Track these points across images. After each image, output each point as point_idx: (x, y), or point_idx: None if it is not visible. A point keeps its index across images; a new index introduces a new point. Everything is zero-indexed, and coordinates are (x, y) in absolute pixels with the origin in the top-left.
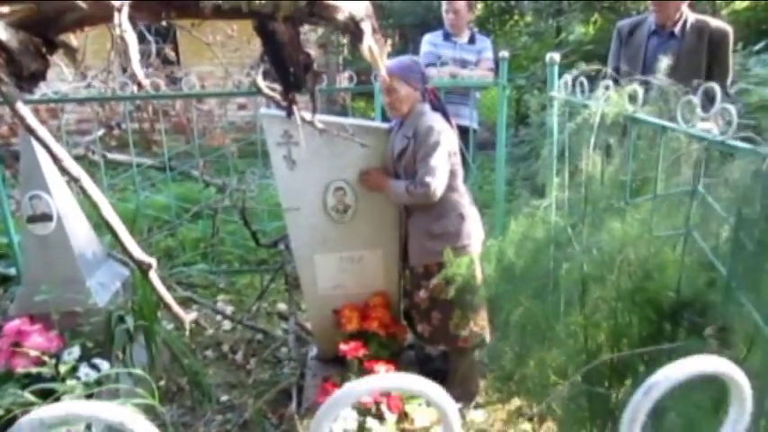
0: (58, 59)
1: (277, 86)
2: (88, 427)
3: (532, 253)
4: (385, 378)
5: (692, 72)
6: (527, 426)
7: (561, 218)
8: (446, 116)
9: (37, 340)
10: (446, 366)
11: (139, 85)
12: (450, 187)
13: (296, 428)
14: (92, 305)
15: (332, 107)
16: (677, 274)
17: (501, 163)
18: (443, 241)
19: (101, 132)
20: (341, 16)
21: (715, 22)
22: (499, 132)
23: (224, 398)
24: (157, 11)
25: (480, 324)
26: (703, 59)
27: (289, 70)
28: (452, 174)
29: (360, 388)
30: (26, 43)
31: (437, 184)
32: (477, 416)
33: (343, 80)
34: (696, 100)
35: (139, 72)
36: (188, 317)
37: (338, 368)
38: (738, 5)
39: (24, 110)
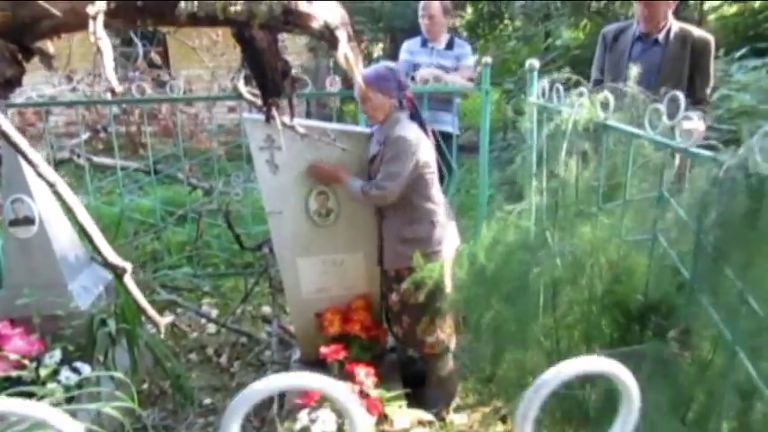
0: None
1: (258, 91)
2: None
3: (504, 256)
4: (287, 377)
5: (674, 79)
6: (501, 428)
7: (535, 222)
8: (423, 126)
9: (18, 344)
10: (427, 369)
11: (113, 92)
12: (424, 196)
13: (277, 431)
14: (74, 309)
15: (322, 111)
16: (645, 277)
17: (484, 167)
18: (414, 246)
19: (86, 136)
20: (316, 24)
21: (698, 32)
22: (482, 137)
23: (207, 401)
24: (132, 18)
25: (446, 331)
26: (686, 67)
27: (267, 76)
28: (426, 183)
29: (262, 387)
30: (2, 50)
31: (392, 190)
32: (456, 418)
33: (335, 84)
34: (663, 107)
35: (113, 79)
36: (163, 320)
37: (321, 371)
38: (727, 11)
39: None
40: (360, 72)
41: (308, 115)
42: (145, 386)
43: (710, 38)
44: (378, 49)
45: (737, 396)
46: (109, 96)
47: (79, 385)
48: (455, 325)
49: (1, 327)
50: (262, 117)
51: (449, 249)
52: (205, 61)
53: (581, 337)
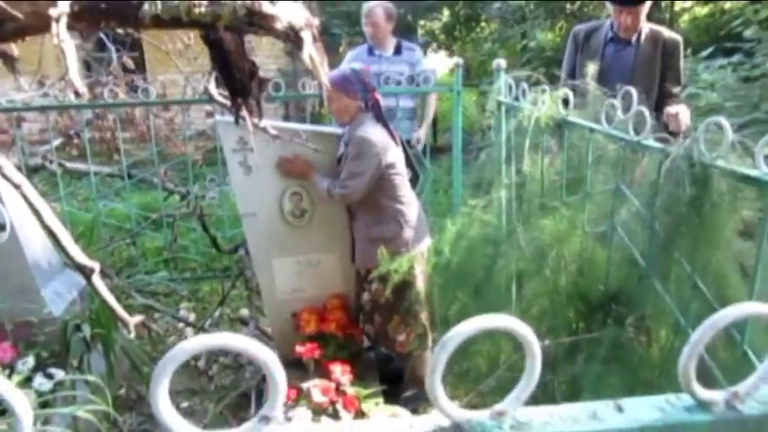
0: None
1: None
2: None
3: (468, 250)
4: (211, 337)
5: (647, 79)
6: None
7: (500, 216)
8: (389, 128)
9: None
10: (404, 366)
11: (77, 94)
12: (390, 197)
13: None
14: (47, 315)
15: (301, 114)
16: (605, 267)
17: (458, 167)
18: (382, 246)
19: (57, 142)
20: (280, 25)
21: (667, 33)
22: (455, 137)
23: (185, 404)
24: (96, 21)
25: (418, 330)
26: (658, 67)
27: (235, 77)
28: (392, 184)
29: (190, 346)
30: None
31: (355, 189)
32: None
33: (314, 87)
34: (617, 103)
35: (77, 81)
36: (133, 320)
37: (298, 371)
38: (698, 12)
39: None
40: (324, 73)
41: (287, 118)
42: (122, 391)
43: (680, 38)
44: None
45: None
46: (74, 99)
47: (53, 391)
48: (430, 323)
49: None
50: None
51: (420, 249)
52: (178, 65)
53: (546, 327)
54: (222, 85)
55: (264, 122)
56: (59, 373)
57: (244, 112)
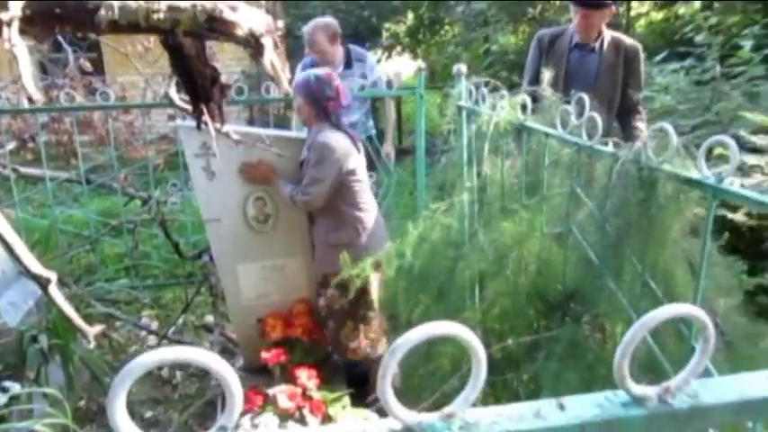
0: None
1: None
2: None
3: (430, 253)
4: (165, 351)
5: (610, 84)
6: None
7: (462, 219)
8: (349, 135)
9: None
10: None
11: (30, 100)
12: (349, 203)
13: None
14: (1, 326)
15: (265, 117)
16: (563, 267)
17: (421, 169)
18: (338, 252)
19: (11, 146)
20: (240, 32)
21: (629, 40)
22: (418, 140)
23: (148, 414)
24: (50, 25)
25: (371, 337)
26: (620, 73)
27: (196, 83)
28: (351, 190)
29: (148, 359)
30: None
31: (317, 195)
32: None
33: (277, 90)
34: (571, 108)
35: (31, 86)
36: (93, 330)
37: (265, 377)
38: (654, 17)
39: None
40: (286, 79)
41: (251, 122)
42: (82, 403)
43: (640, 46)
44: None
45: (641, 372)
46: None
47: (9, 405)
48: (386, 329)
49: None
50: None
51: (378, 256)
52: (138, 68)
53: (508, 326)
54: (183, 90)
55: (227, 128)
56: (15, 387)
57: (206, 118)
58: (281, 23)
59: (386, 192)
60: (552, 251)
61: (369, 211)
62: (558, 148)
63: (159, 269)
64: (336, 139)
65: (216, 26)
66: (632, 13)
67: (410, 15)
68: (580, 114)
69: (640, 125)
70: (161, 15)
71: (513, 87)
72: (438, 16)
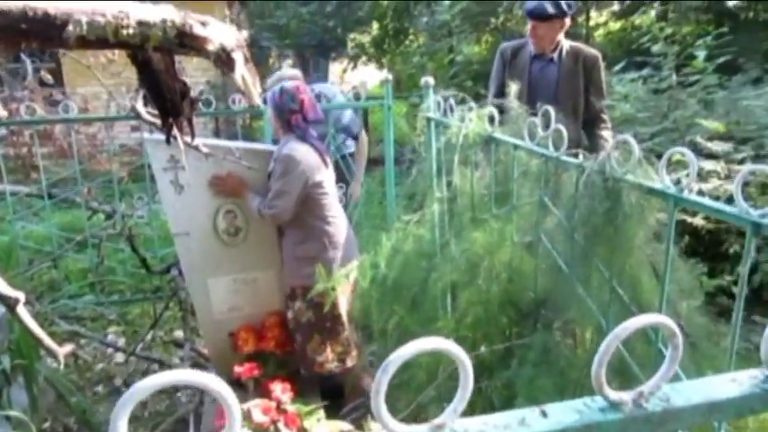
0: None
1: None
2: None
3: (403, 264)
4: (173, 374)
5: (571, 93)
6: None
7: (433, 230)
8: (315, 147)
9: None
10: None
11: None
12: (316, 216)
13: None
14: None
15: (231, 128)
16: (533, 275)
17: (390, 180)
18: (306, 265)
19: None
20: (211, 47)
21: (587, 49)
22: (387, 151)
23: None
24: (16, 41)
25: (337, 351)
26: (580, 81)
27: (166, 97)
28: (318, 203)
29: (147, 384)
30: None
31: (283, 209)
32: (376, 427)
33: (244, 101)
34: (538, 120)
35: None
36: (62, 350)
37: (238, 392)
38: (612, 27)
39: None
40: (256, 93)
41: (217, 132)
42: (47, 424)
43: (599, 54)
44: (285, 66)
45: (612, 374)
46: None
47: None
48: (353, 342)
49: None
50: (163, 138)
51: (345, 269)
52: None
53: (481, 334)
54: (150, 103)
55: (197, 141)
56: None
57: (175, 131)
58: (245, 34)
59: (356, 203)
60: (523, 260)
61: (337, 224)
62: (526, 159)
63: (125, 284)
64: (301, 152)
65: (186, 41)
66: (591, 23)
67: (375, 26)
68: (547, 126)
69: (605, 134)
70: (130, 31)
71: (478, 97)
72: (403, 27)
